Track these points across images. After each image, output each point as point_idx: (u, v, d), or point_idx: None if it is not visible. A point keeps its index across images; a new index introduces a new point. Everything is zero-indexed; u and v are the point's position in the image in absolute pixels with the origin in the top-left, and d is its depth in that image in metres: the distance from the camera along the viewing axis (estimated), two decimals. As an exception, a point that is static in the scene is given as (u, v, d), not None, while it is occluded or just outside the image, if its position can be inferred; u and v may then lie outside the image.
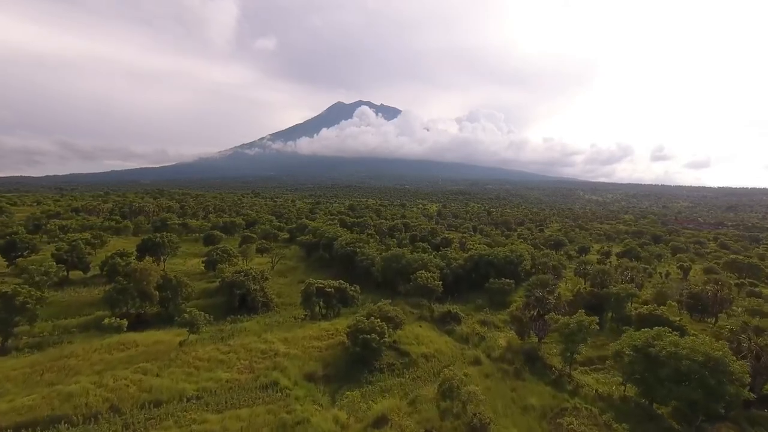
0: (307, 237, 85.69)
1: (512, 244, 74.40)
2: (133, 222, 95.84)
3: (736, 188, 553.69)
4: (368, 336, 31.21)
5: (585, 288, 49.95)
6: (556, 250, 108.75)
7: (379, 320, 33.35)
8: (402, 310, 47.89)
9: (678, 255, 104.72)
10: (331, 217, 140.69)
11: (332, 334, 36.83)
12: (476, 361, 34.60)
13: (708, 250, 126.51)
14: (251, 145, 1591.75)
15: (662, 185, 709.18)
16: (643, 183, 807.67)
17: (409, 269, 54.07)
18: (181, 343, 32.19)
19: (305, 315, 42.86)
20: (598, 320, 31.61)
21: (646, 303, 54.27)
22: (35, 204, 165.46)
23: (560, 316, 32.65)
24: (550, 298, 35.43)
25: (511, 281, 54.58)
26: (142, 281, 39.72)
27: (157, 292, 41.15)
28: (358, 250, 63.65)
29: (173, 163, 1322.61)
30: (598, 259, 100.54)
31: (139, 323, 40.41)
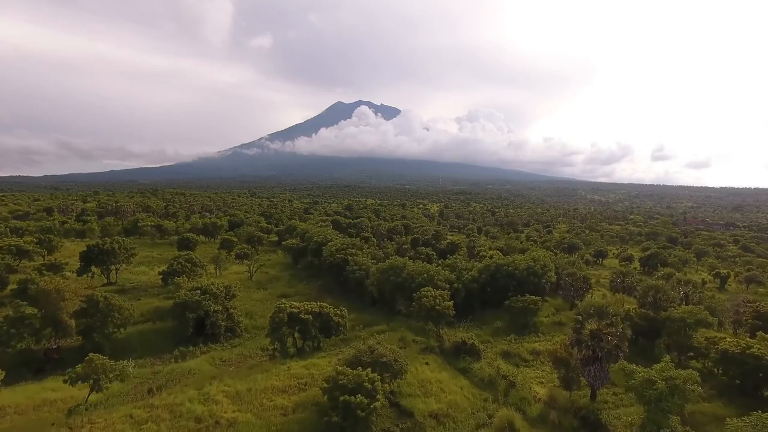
0: (294, 241, 75.35)
1: (532, 250, 63.95)
2: (100, 223, 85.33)
3: (739, 188, 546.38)
4: (352, 399, 20.82)
5: (635, 309, 39.65)
6: (570, 254, 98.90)
7: (369, 371, 22.94)
8: (403, 338, 37.70)
9: (710, 261, 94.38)
10: (326, 217, 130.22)
11: (305, 385, 26.35)
12: (510, 427, 24.20)
13: (730, 254, 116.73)
14: (250, 145, 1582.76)
15: (663, 185, 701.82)
16: (643, 183, 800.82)
17: (411, 284, 43.70)
18: (70, 411, 21.68)
19: (274, 349, 32.41)
20: (698, 377, 21.22)
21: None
22: (12, 204, 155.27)
23: (636, 366, 22.24)
24: (610, 333, 25.12)
25: (538, 298, 44.21)
26: (55, 306, 29.40)
27: (75, 320, 30.74)
28: (349, 258, 53.30)
29: (173, 163, 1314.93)
30: (621, 264, 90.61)
31: (50, 363, 30.05)
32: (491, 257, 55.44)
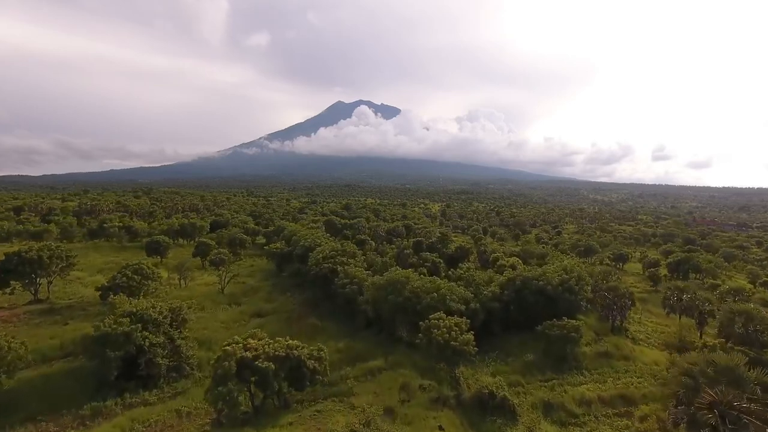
0: (279, 245, 65.27)
1: (556, 257, 53.92)
2: (60, 224, 75.35)
3: (742, 188, 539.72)
4: None
5: (721, 343, 29.75)
6: (587, 258, 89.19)
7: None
8: (406, 385, 27.63)
9: (748, 267, 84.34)
10: (321, 217, 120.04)
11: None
12: None
13: (755, 257, 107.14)
14: (250, 144, 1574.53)
15: (665, 185, 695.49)
16: (644, 183, 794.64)
17: (416, 305, 33.72)
18: None
19: (221, 411, 22.27)
20: None
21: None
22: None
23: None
24: (751, 411, 15.25)
25: (579, 323, 34.30)
26: None
27: None
28: (339, 268, 43.25)
29: (172, 163, 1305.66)
30: (647, 271, 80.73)
31: None
32: (513, 267, 45.40)
